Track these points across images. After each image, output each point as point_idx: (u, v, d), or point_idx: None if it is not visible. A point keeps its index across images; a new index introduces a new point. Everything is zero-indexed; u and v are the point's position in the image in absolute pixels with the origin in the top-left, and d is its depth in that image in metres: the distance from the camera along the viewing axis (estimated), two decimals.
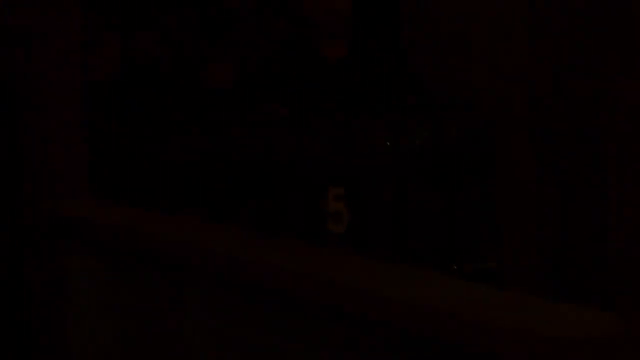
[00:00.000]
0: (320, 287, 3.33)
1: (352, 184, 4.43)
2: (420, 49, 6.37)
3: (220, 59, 6.90)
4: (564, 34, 5.12)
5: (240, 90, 6.26)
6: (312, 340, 3.41)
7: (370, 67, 5.31)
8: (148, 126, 6.21)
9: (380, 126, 4.86)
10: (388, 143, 4.80)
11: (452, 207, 5.07)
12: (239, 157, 5.02)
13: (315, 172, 4.56)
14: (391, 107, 5.22)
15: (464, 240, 4.10)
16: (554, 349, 2.54)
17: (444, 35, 6.27)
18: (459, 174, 4.98)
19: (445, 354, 2.88)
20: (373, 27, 5.98)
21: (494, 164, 5.41)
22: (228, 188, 5.20)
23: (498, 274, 3.98)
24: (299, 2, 5.47)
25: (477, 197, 5.24)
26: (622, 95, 4.09)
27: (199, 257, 3.86)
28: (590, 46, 4.63)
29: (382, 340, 3.12)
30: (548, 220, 4.89)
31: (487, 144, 5.48)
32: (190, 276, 3.90)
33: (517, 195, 4.65)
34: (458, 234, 4.62)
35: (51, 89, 4.93)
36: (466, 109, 5.57)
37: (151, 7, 7.63)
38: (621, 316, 2.64)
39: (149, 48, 7.04)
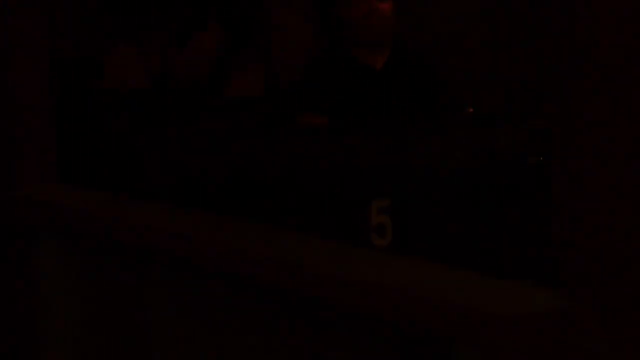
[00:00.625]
0: (268, 268, 3.32)
1: (398, 196, 4.22)
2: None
3: (249, 66, 6.98)
4: None
5: (272, 98, 6.50)
6: (266, 318, 3.45)
7: (410, 76, 5.35)
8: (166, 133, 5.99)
9: (428, 136, 4.69)
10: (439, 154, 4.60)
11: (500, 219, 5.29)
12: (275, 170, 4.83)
13: (357, 184, 4.38)
14: (434, 117, 5.45)
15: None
16: (500, 326, 2.63)
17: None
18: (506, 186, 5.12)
19: (392, 332, 2.97)
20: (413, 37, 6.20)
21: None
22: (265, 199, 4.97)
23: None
24: (339, 8, 5.42)
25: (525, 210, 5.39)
26: None
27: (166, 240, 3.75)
28: None
29: (330, 317, 3.21)
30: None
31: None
32: (157, 257, 3.83)
33: None
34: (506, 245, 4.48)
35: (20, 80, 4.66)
36: (511, 122, 5.55)
37: (183, 23, 7.75)
38: (566, 292, 2.61)
39: (181, 62, 7.13)
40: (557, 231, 2.62)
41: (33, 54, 4.62)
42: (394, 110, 5.33)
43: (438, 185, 4.32)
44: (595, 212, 2.38)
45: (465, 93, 6.29)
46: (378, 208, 4.13)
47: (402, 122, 5.15)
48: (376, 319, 2.88)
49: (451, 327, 2.78)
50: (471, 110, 5.85)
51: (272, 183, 4.45)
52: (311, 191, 4.37)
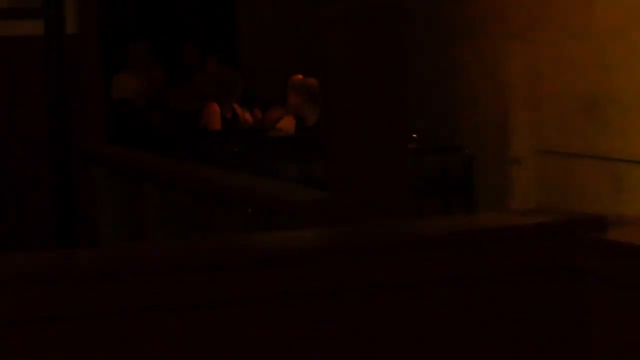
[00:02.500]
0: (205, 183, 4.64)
1: None
2: None
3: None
4: None
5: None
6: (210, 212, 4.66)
7: None
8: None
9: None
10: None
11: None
12: None
13: None
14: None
15: None
16: (289, 207, 3.86)
17: None
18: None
19: None
20: None
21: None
22: None
23: None
24: None
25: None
26: None
27: (158, 166, 5.42)
28: None
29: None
30: None
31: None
32: (148, 177, 5.37)
33: None
34: None
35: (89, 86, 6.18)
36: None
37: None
38: (330, 192, 3.71)
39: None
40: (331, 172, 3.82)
41: (95, 83, 6.26)
42: None
43: None
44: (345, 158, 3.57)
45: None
46: None
47: None
48: None
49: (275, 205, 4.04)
50: (414, 135, 7.19)
51: None
52: None
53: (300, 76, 8.14)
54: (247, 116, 8.57)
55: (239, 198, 4.40)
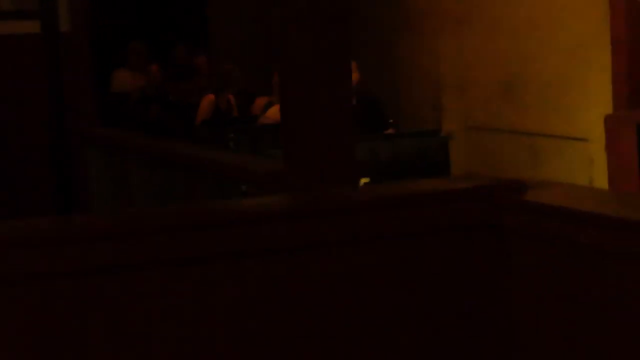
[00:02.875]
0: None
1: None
2: None
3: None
4: None
5: None
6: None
7: (366, 109, 6.83)
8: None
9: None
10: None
11: None
12: None
13: None
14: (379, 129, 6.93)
15: None
16: (253, 177, 3.91)
17: None
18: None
19: None
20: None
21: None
22: None
23: None
24: None
25: None
26: None
27: (141, 145, 5.39)
28: None
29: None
30: None
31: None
32: (134, 154, 5.34)
33: None
34: None
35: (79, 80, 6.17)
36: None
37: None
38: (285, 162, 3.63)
39: None
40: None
41: (86, 74, 6.24)
42: (360, 126, 5.96)
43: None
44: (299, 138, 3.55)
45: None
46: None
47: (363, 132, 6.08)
48: None
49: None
50: (391, 121, 7.38)
51: None
52: None
53: None
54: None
55: (211, 170, 4.42)
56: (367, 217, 2.56)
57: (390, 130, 7.05)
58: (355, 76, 6.10)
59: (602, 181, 6.52)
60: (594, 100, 6.88)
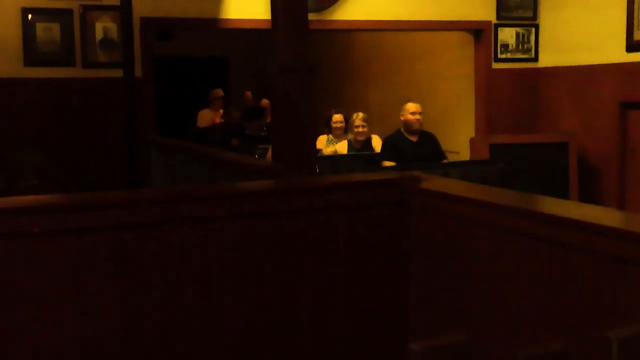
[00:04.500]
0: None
1: None
2: None
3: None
4: None
5: None
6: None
7: (428, 144, 5.97)
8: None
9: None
10: None
11: None
12: None
13: None
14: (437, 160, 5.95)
15: None
16: (256, 170, 3.63)
17: None
18: None
19: None
20: None
21: None
22: None
23: None
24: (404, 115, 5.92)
25: None
26: None
27: (182, 147, 5.15)
28: None
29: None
30: None
31: None
32: (179, 151, 5.14)
33: None
34: None
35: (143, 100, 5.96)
36: None
37: None
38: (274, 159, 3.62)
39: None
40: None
41: (151, 103, 6.02)
42: (421, 158, 5.72)
43: None
44: (281, 147, 4.00)
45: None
46: None
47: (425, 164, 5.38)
48: None
49: None
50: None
51: None
52: None
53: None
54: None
55: (225, 164, 4.31)
56: (323, 195, 2.51)
57: (445, 160, 6.05)
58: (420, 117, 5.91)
59: None
60: (464, 129, 6.92)
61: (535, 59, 6.88)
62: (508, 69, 6.81)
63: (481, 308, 2.21)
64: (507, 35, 6.79)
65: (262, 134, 7.16)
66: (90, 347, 2.18)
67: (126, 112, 5.62)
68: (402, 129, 5.98)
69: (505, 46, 6.80)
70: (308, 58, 3.61)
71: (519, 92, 6.82)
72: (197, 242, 2.29)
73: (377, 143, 6.37)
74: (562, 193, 5.47)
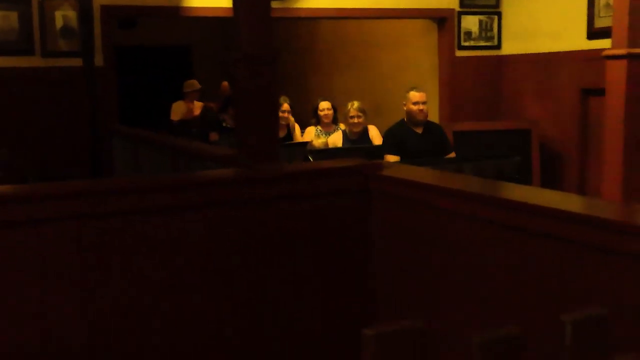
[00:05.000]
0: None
1: None
2: None
3: None
4: None
5: None
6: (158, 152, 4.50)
7: (433, 135, 5.48)
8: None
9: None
10: None
11: None
12: None
13: None
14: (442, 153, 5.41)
15: None
16: (220, 159, 3.60)
17: None
18: None
19: None
20: None
21: None
22: None
23: None
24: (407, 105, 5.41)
25: None
26: None
27: (146, 136, 5.09)
28: None
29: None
30: None
31: None
32: (142, 141, 5.08)
33: None
34: None
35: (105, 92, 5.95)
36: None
37: None
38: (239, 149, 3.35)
39: None
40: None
41: (113, 92, 6.02)
42: (427, 152, 5.28)
43: None
44: (246, 136, 4.26)
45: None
46: None
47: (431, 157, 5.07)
48: None
49: None
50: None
51: None
52: None
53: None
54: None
55: (189, 153, 4.26)
56: (287, 183, 2.50)
57: (452, 155, 5.51)
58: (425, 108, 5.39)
59: None
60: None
61: (498, 46, 6.92)
62: (471, 57, 6.84)
63: (444, 294, 2.23)
64: (471, 23, 6.82)
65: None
66: (52, 338, 2.15)
67: (87, 101, 5.57)
68: (405, 120, 5.52)
69: (468, 34, 6.84)
70: (271, 46, 3.56)
71: (482, 80, 6.86)
72: (160, 232, 2.27)
73: (374, 134, 6.02)
74: (524, 179, 5.50)
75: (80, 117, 5.69)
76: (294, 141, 6.19)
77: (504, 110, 6.90)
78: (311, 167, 2.83)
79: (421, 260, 2.32)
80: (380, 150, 5.35)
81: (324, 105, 6.43)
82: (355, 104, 5.98)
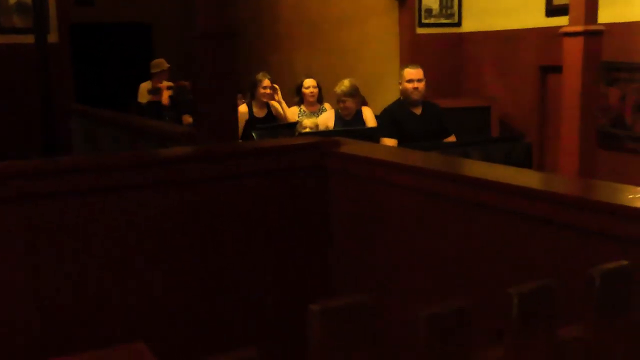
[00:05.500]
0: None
1: None
2: None
3: None
4: None
5: None
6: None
7: (432, 116, 5.07)
8: None
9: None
10: None
11: None
12: None
13: None
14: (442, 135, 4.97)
15: None
16: (177, 137, 3.88)
17: None
18: None
19: None
20: None
21: None
22: None
23: None
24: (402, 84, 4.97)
25: None
26: None
27: (104, 116, 5.21)
28: None
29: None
30: None
31: None
32: (101, 120, 5.19)
33: None
34: None
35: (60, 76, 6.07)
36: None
37: None
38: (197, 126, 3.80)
39: None
40: None
41: (68, 70, 6.20)
42: (427, 135, 4.85)
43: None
44: (203, 114, 4.25)
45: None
46: None
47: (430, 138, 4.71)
48: None
49: None
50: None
51: None
52: None
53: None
54: None
55: (147, 133, 4.25)
56: (244, 161, 2.48)
57: (452, 138, 5.08)
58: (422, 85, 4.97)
59: None
60: (389, 95, 6.85)
61: (459, 24, 6.94)
62: (432, 34, 6.86)
63: (400, 269, 2.23)
64: (431, 0, 6.81)
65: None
66: (2, 323, 2.11)
67: (40, 79, 5.46)
68: (401, 99, 5.10)
69: (429, 11, 6.84)
70: (230, 23, 3.54)
71: (443, 57, 6.88)
72: (115, 211, 2.23)
73: (368, 116, 5.57)
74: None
75: (34, 96, 5.58)
76: (282, 122, 5.72)
77: (465, 88, 6.94)
78: (267, 145, 2.81)
79: (377, 235, 2.32)
80: (376, 132, 4.93)
81: (309, 83, 5.97)
82: (345, 84, 5.42)
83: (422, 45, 6.87)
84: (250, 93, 5.85)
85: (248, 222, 2.42)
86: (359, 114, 5.52)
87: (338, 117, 5.50)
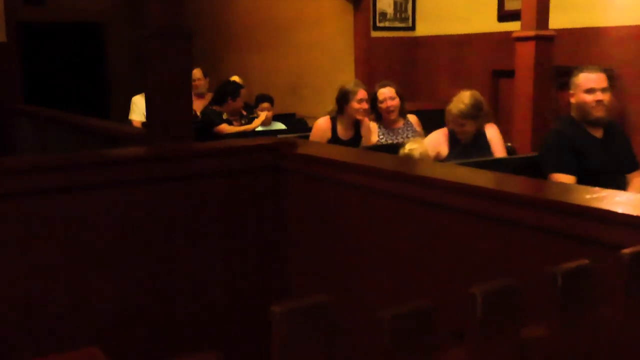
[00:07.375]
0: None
1: None
2: None
3: None
4: None
5: None
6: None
7: (618, 140, 3.59)
8: None
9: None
10: None
11: None
12: None
13: None
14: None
15: None
16: (130, 138, 3.77)
17: None
18: None
19: None
20: None
21: None
22: None
23: None
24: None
25: None
26: None
27: (54, 116, 4.94)
28: None
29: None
30: None
31: None
32: (50, 121, 4.94)
33: None
34: None
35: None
36: None
37: None
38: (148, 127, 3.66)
39: None
40: None
41: (19, 70, 6.09)
42: (609, 166, 3.37)
43: None
44: (155, 115, 4.24)
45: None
46: None
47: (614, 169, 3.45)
48: None
49: None
50: None
51: None
52: None
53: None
54: None
55: (98, 132, 4.17)
56: (199, 161, 2.44)
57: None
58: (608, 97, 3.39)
59: None
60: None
61: (413, 27, 7.02)
62: (386, 38, 6.91)
63: (357, 270, 2.21)
64: (385, 4, 6.88)
65: (243, 120, 5.52)
66: None
67: None
68: (573, 117, 3.55)
69: (383, 15, 6.88)
70: (183, 23, 3.48)
71: (397, 61, 6.93)
72: (62, 213, 2.17)
73: (494, 136, 4.10)
74: None
75: None
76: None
77: (418, 91, 7.02)
78: (223, 145, 2.77)
79: (334, 236, 2.31)
80: (542, 165, 3.45)
81: (385, 94, 4.56)
82: (464, 100, 3.97)
83: (376, 48, 6.97)
84: (339, 106, 4.49)
85: (203, 222, 2.39)
86: (479, 135, 4.05)
87: (452, 139, 4.03)
